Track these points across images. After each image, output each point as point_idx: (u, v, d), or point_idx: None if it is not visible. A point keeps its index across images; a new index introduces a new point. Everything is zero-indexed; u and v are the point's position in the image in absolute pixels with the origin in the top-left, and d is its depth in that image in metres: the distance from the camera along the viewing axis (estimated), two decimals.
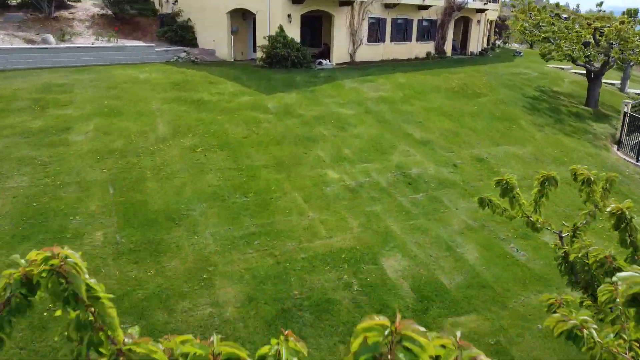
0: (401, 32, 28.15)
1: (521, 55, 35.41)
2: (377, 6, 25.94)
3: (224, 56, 24.90)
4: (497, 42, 41.50)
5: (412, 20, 28.32)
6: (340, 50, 24.86)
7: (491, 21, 36.83)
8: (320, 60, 24.44)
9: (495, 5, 34.08)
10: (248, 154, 12.46)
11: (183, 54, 23.77)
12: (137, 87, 16.85)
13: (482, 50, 34.72)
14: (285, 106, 16.10)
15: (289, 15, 22.19)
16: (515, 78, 23.95)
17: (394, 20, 27.19)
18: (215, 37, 25.15)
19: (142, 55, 22.22)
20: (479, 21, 33.49)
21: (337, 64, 24.60)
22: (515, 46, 45.04)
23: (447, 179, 12.35)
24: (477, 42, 34.10)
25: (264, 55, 21.94)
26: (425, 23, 29.37)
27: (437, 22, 30.08)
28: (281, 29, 21.96)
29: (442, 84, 20.66)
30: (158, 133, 13.21)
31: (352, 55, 25.45)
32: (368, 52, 26.30)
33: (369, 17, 25.72)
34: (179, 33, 25.92)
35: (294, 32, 22.43)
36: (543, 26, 21.32)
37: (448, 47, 31.38)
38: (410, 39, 28.64)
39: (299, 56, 21.88)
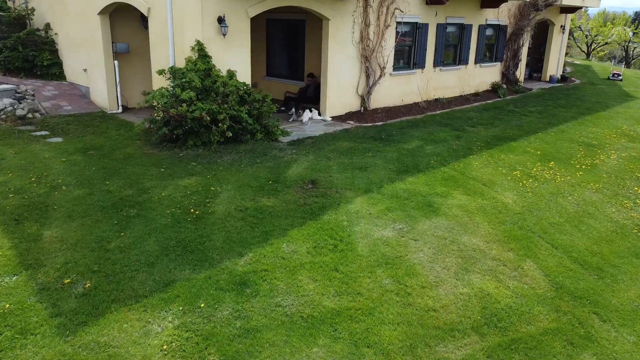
0: (451, 48, 15.40)
1: (621, 80, 22.65)
2: (413, 1, 13.18)
3: (103, 103, 12.10)
4: None
5: (469, 26, 15.56)
6: (340, 90, 12.08)
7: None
8: (300, 111, 11.66)
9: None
10: None
11: (5, 103, 10.94)
12: None
13: (563, 73, 21.95)
14: None
15: (220, 20, 9.38)
16: None
17: (440, 28, 14.42)
18: (86, 62, 12.35)
19: None
20: (562, 27, 20.73)
21: (333, 120, 11.83)
22: (575, 61, 32.48)
23: None
24: (557, 60, 21.35)
25: (160, 117, 9.10)
26: (488, 32, 16.64)
27: (506, 30, 17.34)
28: (201, 50, 9.18)
29: (607, 208, 7.83)
30: None
31: (364, 99, 12.67)
32: (395, 89, 13.52)
33: (398, 23, 12.96)
34: (24, 54, 13.12)
35: (234, 58, 9.65)
36: None
37: (521, 72, 18.63)
38: (465, 61, 15.86)
39: (243, 118, 9.06)
